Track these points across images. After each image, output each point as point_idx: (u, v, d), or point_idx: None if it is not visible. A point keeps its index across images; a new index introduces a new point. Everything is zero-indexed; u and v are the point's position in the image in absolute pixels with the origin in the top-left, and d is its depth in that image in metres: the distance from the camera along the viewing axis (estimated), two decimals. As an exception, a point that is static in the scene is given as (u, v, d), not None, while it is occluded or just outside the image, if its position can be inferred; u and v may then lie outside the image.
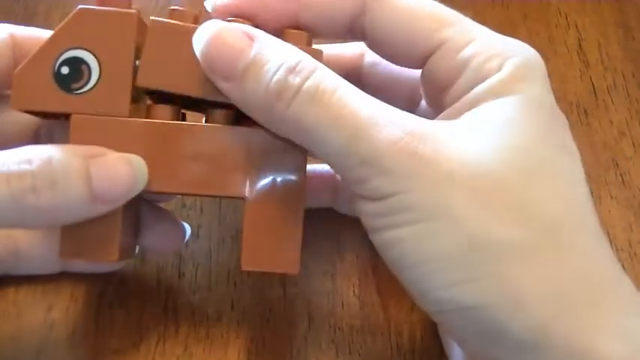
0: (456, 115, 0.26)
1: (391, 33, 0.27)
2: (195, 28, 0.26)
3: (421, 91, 0.29)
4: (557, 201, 0.24)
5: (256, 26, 0.27)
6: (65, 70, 0.27)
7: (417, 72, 0.29)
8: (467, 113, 0.25)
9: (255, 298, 0.31)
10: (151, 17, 0.27)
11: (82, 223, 0.26)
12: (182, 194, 0.27)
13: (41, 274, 0.30)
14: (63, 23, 0.27)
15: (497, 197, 0.24)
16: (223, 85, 0.26)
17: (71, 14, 0.27)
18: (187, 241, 0.32)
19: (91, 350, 0.29)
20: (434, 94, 0.28)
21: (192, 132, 0.27)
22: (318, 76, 0.25)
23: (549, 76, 0.27)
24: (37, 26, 0.29)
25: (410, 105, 0.31)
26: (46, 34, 0.28)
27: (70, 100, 0.27)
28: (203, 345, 0.30)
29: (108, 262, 0.27)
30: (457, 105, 0.26)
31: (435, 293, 0.24)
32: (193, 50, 0.26)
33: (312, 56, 0.26)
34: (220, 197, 0.27)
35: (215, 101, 0.27)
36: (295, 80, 0.24)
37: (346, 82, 0.25)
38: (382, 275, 0.32)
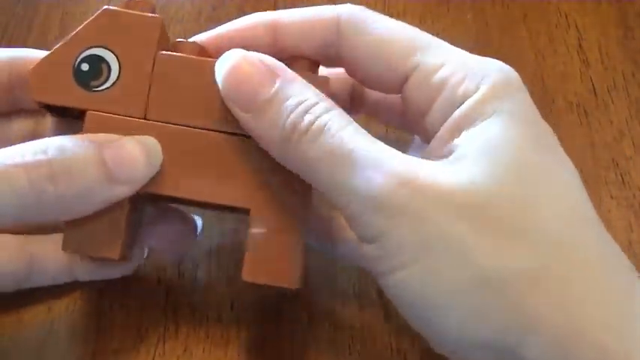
0: (443, 145, 0.26)
1: (366, 59, 0.28)
2: (203, 61, 0.27)
3: (402, 116, 0.29)
4: (561, 217, 0.24)
5: None
6: (85, 66, 0.27)
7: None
8: (455, 142, 0.25)
9: (255, 298, 0.31)
10: (160, 52, 0.27)
11: (87, 218, 0.26)
12: (187, 200, 0.28)
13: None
14: (87, 22, 0.27)
15: (499, 223, 0.23)
16: (241, 116, 0.26)
17: (96, 14, 0.27)
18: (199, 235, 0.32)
19: (91, 350, 0.29)
20: (414, 117, 0.28)
21: (205, 139, 0.27)
22: (329, 116, 0.25)
23: (549, 75, 0.27)
24: (36, 27, 0.29)
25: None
26: (44, 55, 0.28)
27: (87, 97, 0.27)
28: (203, 345, 0.30)
29: (109, 259, 0.27)
30: (441, 133, 0.26)
31: (452, 333, 0.23)
32: (201, 82, 0.27)
33: (319, 84, 0.26)
34: (225, 208, 0.28)
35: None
36: (308, 120, 0.25)
37: (355, 124, 0.25)
38: (382, 275, 0.32)
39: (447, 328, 0.23)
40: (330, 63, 0.29)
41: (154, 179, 0.27)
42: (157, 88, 0.27)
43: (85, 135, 0.26)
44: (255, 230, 0.27)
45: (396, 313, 0.31)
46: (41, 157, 0.24)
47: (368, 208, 0.24)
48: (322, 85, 0.27)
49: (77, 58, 0.27)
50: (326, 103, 0.25)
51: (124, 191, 0.26)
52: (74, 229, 0.26)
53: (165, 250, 0.31)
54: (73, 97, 0.27)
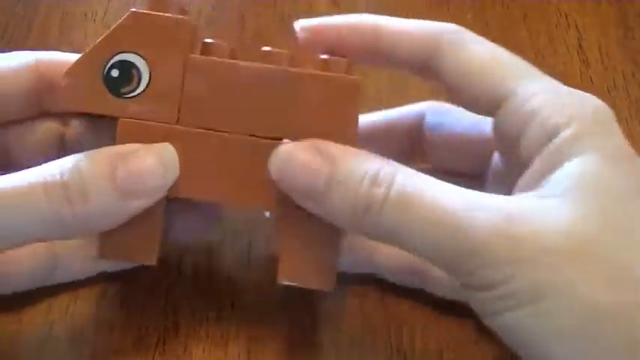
0: (537, 180, 0.26)
1: (464, 79, 0.28)
2: (235, 64, 0.27)
3: (494, 141, 0.29)
4: None
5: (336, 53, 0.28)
6: (115, 73, 0.27)
7: (482, 131, 0.29)
8: (550, 179, 0.25)
9: (255, 298, 0.31)
10: (191, 55, 0.27)
11: (123, 225, 0.26)
12: (216, 202, 0.28)
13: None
14: (115, 26, 0.27)
15: (603, 265, 0.24)
16: (308, 205, 0.26)
17: (123, 17, 0.27)
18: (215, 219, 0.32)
19: (91, 350, 0.29)
20: (505, 144, 0.28)
21: (239, 143, 0.27)
22: (401, 181, 0.25)
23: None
24: (36, 27, 0.29)
25: (480, 165, 0.31)
26: (71, 57, 0.28)
27: (119, 104, 0.27)
28: (203, 345, 0.30)
29: (146, 263, 0.27)
30: (535, 167, 0.26)
31: None
32: (233, 86, 0.27)
33: (351, 87, 0.27)
34: (253, 208, 0.28)
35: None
36: (380, 191, 0.25)
37: (427, 177, 0.25)
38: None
39: None
40: (426, 76, 0.29)
41: (187, 184, 0.27)
42: (189, 92, 0.27)
43: (99, 150, 0.26)
44: (290, 231, 0.27)
45: (397, 313, 0.31)
46: (58, 178, 0.25)
47: (473, 264, 0.24)
48: (354, 88, 0.27)
49: (107, 64, 0.27)
50: (389, 166, 0.25)
51: (141, 204, 0.26)
52: (108, 235, 0.26)
53: (186, 238, 0.31)
54: (105, 104, 0.27)
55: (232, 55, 0.28)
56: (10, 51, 0.29)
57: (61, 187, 0.24)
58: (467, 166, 0.31)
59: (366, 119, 0.32)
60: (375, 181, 0.25)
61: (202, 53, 0.27)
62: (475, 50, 0.28)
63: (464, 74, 0.28)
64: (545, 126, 0.26)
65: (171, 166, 0.26)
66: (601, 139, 0.25)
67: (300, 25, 0.29)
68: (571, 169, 0.25)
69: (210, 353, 0.29)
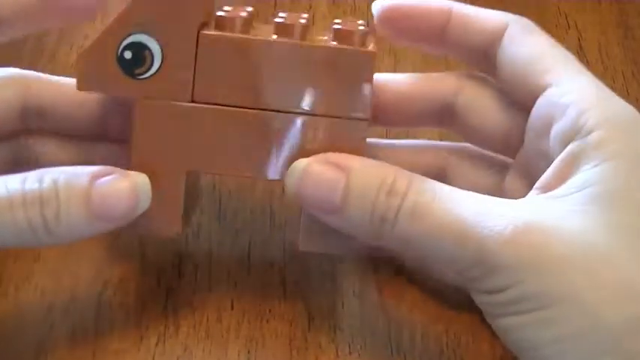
0: (556, 181, 0.26)
1: (511, 70, 0.28)
2: (247, 39, 0.27)
3: (526, 132, 0.29)
4: None
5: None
6: (128, 54, 0.27)
7: (514, 118, 0.29)
8: (569, 183, 0.25)
9: (255, 298, 0.31)
10: (202, 32, 0.27)
11: None
12: (232, 175, 0.30)
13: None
14: (126, 6, 0.27)
15: (610, 277, 0.24)
16: (326, 218, 0.26)
17: None
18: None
19: (91, 350, 0.29)
20: (535, 134, 0.28)
21: (253, 118, 0.27)
22: (414, 190, 0.25)
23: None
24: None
25: (504, 149, 0.31)
26: (60, 80, 0.29)
27: (134, 85, 0.27)
28: (203, 345, 0.30)
29: (171, 235, 0.28)
30: (558, 166, 0.26)
31: None
32: (246, 61, 0.27)
33: (365, 59, 0.27)
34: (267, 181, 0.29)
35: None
36: (396, 202, 0.25)
37: (441, 185, 0.26)
38: (382, 275, 0.32)
39: None
40: (485, 64, 0.30)
41: (204, 159, 0.27)
42: (202, 70, 0.27)
43: (78, 169, 0.26)
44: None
45: (397, 313, 0.31)
46: (37, 193, 0.25)
47: (487, 270, 0.24)
48: (368, 60, 0.27)
49: (119, 45, 0.27)
50: (403, 176, 0.26)
51: (108, 227, 0.26)
52: None
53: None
54: (121, 86, 0.27)
55: (246, 27, 0.27)
56: (9, 51, 0.29)
57: (39, 204, 0.25)
58: (498, 142, 0.30)
59: (404, 79, 0.31)
60: (390, 191, 0.25)
61: (216, 27, 0.27)
62: (529, 42, 0.28)
63: (512, 64, 0.28)
64: (575, 124, 0.26)
65: (143, 195, 0.26)
66: (627, 148, 0.25)
67: (375, 5, 0.29)
68: (591, 175, 0.25)
69: (210, 353, 0.29)
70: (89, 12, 0.29)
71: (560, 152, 0.26)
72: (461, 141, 0.32)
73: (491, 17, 0.29)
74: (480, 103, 0.30)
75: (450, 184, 0.27)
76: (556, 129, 0.26)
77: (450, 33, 0.29)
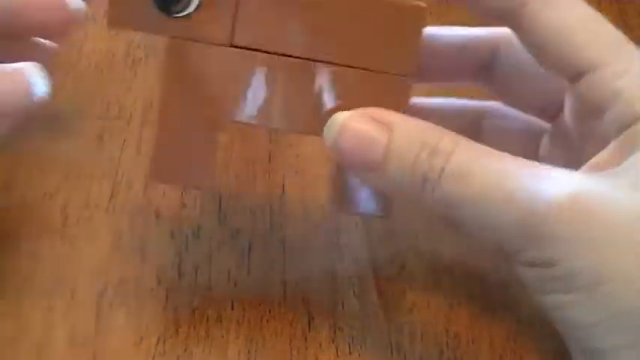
0: (611, 162, 0.25)
1: (548, 40, 0.26)
2: None
3: (565, 109, 0.28)
4: None
5: None
6: None
7: (554, 82, 0.28)
8: (625, 164, 0.24)
9: (255, 298, 0.31)
10: None
11: (178, 145, 0.26)
12: (268, 127, 0.28)
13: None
14: None
15: None
16: (366, 176, 0.25)
17: None
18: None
19: (91, 350, 0.29)
20: (580, 115, 0.27)
21: (300, 68, 0.26)
22: (459, 153, 0.24)
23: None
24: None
25: (540, 113, 0.30)
26: None
27: (168, 24, 0.25)
28: (203, 345, 0.30)
29: (202, 187, 0.27)
30: (611, 149, 0.25)
31: (612, 354, 0.23)
32: (289, 6, 0.26)
33: (414, 13, 0.26)
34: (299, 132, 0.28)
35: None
36: (439, 162, 0.24)
37: (490, 149, 0.24)
38: (382, 275, 0.32)
39: (608, 347, 0.23)
40: (510, 26, 0.28)
41: (242, 107, 0.26)
42: (244, 12, 0.26)
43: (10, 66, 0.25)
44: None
45: (397, 313, 0.31)
46: None
47: (537, 240, 0.23)
48: (418, 13, 0.26)
49: None
50: (448, 137, 0.24)
51: (8, 123, 0.26)
52: (163, 157, 0.26)
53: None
54: (155, 24, 0.25)
55: None
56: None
57: None
58: (535, 105, 0.29)
59: (444, 32, 0.30)
60: (434, 151, 0.24)
61: None
62: (568, 10, 0.26)
63: (551, 34, 0.26)
64: (631, 109, 0.25)
65: (38, 84, 0.25)
66: None
67: None
68: None
69: (210, 353, 0.29)
70: (61, 28, 0.28)
71: (616, 136, 0.25)
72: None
73: None
74: (521, 60, 0.29)
75: (483, 144, 0.25)
76: (611, 114, 0.25)
77: None
